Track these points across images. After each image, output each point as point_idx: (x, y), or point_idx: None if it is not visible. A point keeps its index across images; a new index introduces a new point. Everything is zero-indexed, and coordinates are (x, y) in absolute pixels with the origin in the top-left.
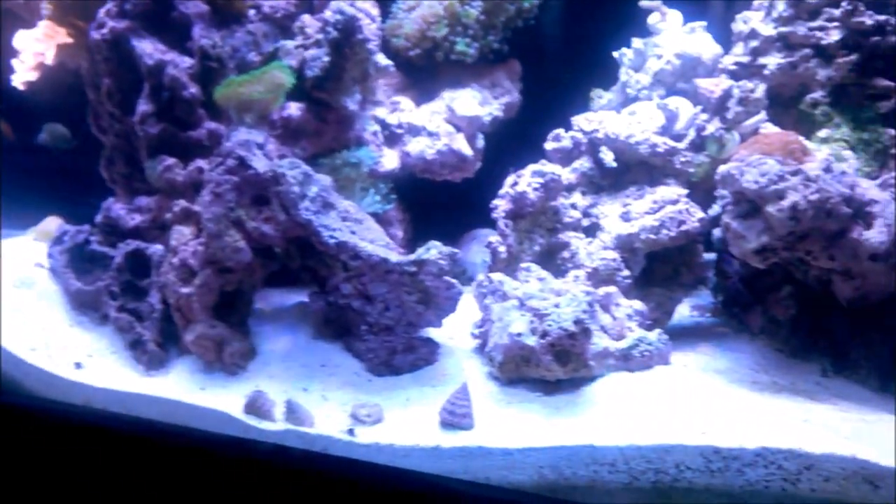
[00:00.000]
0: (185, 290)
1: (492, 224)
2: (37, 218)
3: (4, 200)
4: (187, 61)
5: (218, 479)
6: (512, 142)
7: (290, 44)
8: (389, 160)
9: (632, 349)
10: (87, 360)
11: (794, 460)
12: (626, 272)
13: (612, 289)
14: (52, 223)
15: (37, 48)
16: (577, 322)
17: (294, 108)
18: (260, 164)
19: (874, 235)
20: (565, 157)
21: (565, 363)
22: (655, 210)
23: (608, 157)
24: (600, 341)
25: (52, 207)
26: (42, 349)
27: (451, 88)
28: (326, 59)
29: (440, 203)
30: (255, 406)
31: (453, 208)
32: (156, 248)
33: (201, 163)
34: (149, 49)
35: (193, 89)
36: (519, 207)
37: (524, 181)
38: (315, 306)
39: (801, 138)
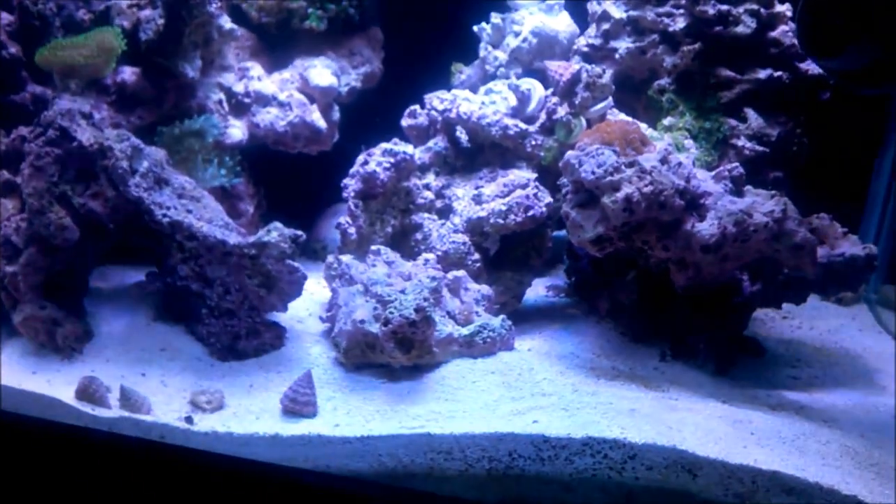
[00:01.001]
0: (10, 268)
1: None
2: None
3: None
4: (6, 17)
5: (48, 469)
6: (372, 114)
7: (122, 3)
8: (236, 131)
9: (475, 335)
10: None
11: (619, 450)
12: (476, 256)
13: (461, 273)
14: None
15: None
16: (419, 310)
17: (129, 73)
18: (85, 135)
19: (706, 228)
20: (421, 135)
21: (408, 350)
22: (506, 194)
23: (464, 136)
24: (445, 328)
25: None
26: None
27: (306, 56)
28: (161, 21)
29: (298, 177)
30: (88, 392)
31: (313, 182)
32: None
33: (24, 131)
34: None
35: (13, 49)
36: (369, 187)
37: (374, 160)
38: (152, 287)
39: (643, 126)
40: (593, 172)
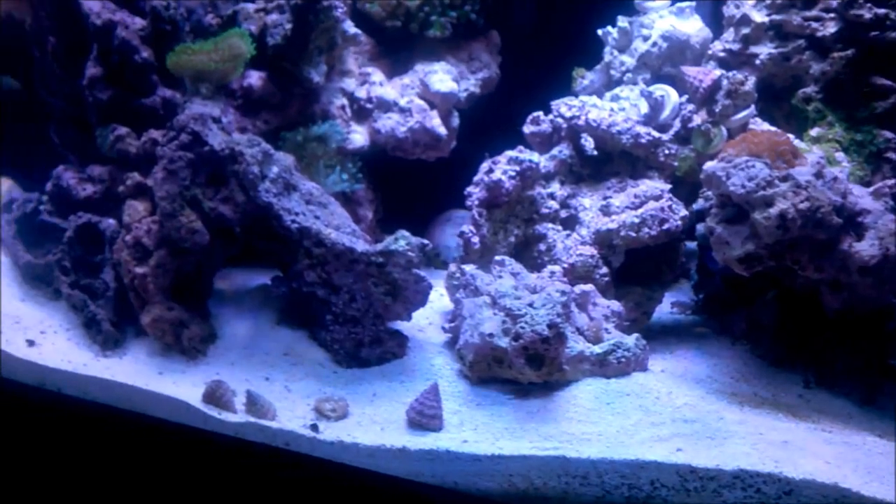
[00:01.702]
0: (139, 269)
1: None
2: None
3: None
4: (139, 22)
5: (175, 472)
6: (489, 119)
7: (249, 7)
8: (358, 137)
9: (608, 354)
10: (39, 338)
11: (774, 484)
12: (604, 269)
13: (590, 287)
14: (3, 185)
15: None
16: (552, 326)
17: (255, 78)
18: (216, 140)
19: (865, 248)
20: (544, 142)
21: (538, 367)
22: (637, 205)
23: (590, 144)
24: (576, 344)
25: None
26: None
27: (425, 61)
28: (289, 26)
29: (413, 182)
30: (215, 396)
31: (427, 188)
32: (109, 223)
33: (155, 134)
34: (96, 7)
35: (145, 53)
36: (494, 196)
37: (500, 168)
38: (277, 292)
39: (792, 138)
40: (743, 186)
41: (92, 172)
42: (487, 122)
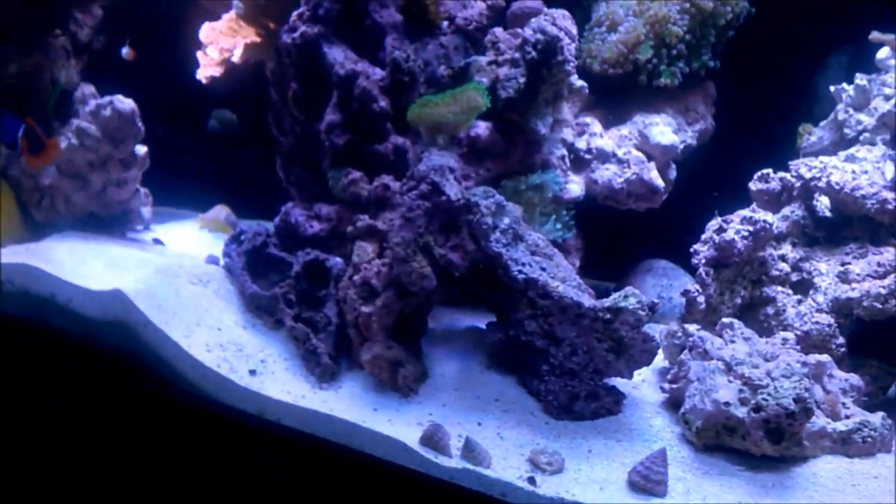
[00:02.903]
0: (365, 308)
1: (667, 255)
2: (200, 202)
3: (170, 182)
4: (378, 73)
5: None
6: (698, 170)
7: (482, 59)
8: (575, 187)
9: (853, 433)
10: (260, 367)
11: None
12: (840, 339)
13: (825, 357)
14: (221, 212)
15: (223, 44)
16: (799, 400)
17: (482, 128)
18: (453, 190)
19: None
20: (772, 201)
21: (778, 441)
22: (881, 274)
23: (824, 204)
24: (817, 420)
25: (217, 194)
26: (217, 351)
27: (642, 111)
28: (522, 80)
29: (613, 229)
30: (433, 440)
31: (626, 235)
32: (335, 261)
33: (387, 179)
34: (340, 58)
35: (383, 102)
36: (723, 256)
37: (732, 228)
38: (493, 337)
39: None
40: None
41: (320, 211)
42: (698, 173)
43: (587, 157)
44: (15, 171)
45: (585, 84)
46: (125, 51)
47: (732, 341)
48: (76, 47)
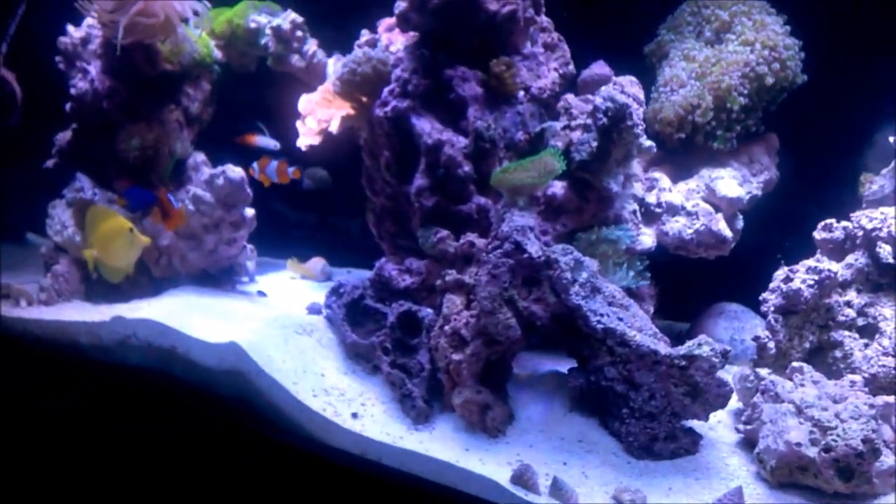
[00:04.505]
0: (456, 356)
1: (738, 298)
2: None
3: (268, 231)
4: (462, 141)
5: None
6: (766, 218)
7: (556, 125)
8: (646, 239)
9: None
10: (360, 409)
11: None
12: None
13: (893, 399)
14: (317, 264)
15: (320, 115)
16: (867, 441)
17: (558, 187)
18: (534, 248)
19: None
20: (836, 249)
21: (848, 479)
22: None
23: (887, 252)
24: (887, 459)
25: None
26: (322, 395)
27: (707, 165)
28: (594, 144)
29: (684, 274)
30: (524, 478)
31: (697, 279)
32: (426, 312)
33: (472, 236)
34: (427, 128)
35: (467, 167)
36: (791, 304)
37: (798, 277)
38: (574, 382)
39: None
40: None
41: (410, 265)
42: (764, 220)
43: (657, 210)
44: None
45: (654, 144)
46: (290, 170)
47: (802, 385)
48: (188, 119)
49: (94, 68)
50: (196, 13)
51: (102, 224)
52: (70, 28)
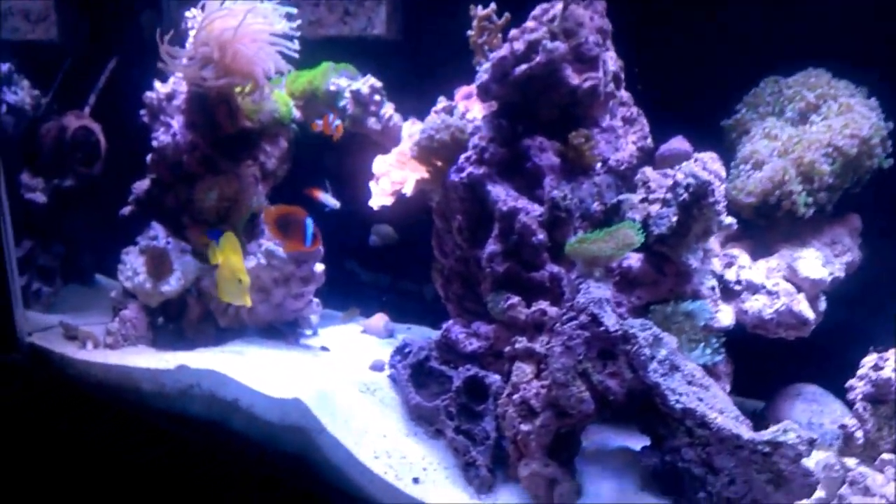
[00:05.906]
0: (524, 427)
1: (812, 379)
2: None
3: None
4: (537, 209)
5: None
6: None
7: (633, 197)
8: (725, 316)
9: None
10: (422, 474)
11: None
12: None
13: None
14: (381, 320)
15: (394, 176)
16: None
17: (634, 260)
18: (610, 321)
19: None
20: None
21: None
22: None
23: None
24: None
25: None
26: (383, 457)
27: (787, 243)
28: (674, 218)
29: (758, 352)
30: None
31: (772, 359)
32: (494, 378)
33: (544, 304)
34: (502, 195)
35: (541, 236)
36: (881, 393)
37: (889, 366)
38: (648, 462)
39: None
40: None
41: (478, 329)
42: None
43: (736, 287)
44: (206, 282)
45: (735, 221)
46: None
47: (893, 479)
48: (264, 174)
49: (176, 122)
50: (280, 73)
51: (226, 260)
52: (157, 84)
